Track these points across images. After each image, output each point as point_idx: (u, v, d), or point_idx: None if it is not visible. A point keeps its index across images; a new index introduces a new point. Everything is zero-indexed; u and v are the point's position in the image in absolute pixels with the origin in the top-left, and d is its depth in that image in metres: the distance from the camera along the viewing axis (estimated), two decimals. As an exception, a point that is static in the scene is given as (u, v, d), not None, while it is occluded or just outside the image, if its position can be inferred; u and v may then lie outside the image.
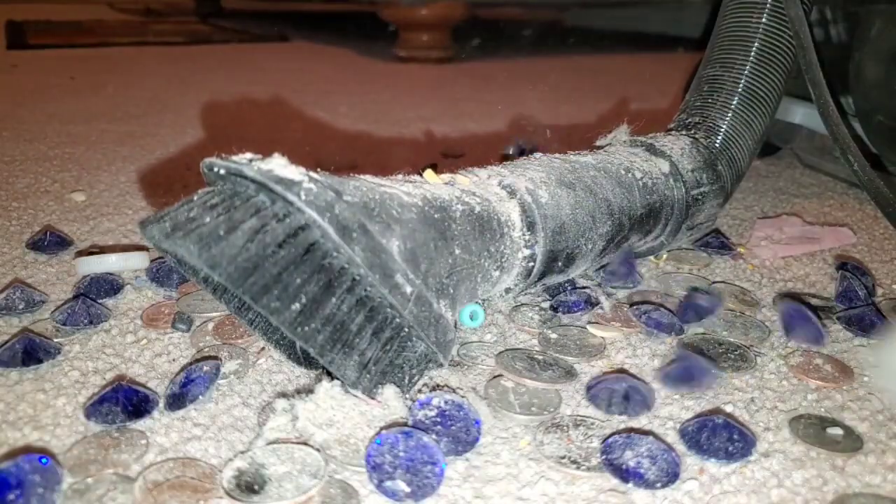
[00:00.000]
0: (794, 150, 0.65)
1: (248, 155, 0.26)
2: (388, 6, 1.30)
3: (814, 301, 0.39)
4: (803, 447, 0.27)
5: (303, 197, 0.25)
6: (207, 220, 0.25)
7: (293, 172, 0.25)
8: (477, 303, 0.33)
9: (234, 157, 0.26)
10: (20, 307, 0.36)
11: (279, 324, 0.24)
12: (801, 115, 0.59)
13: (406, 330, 0.27)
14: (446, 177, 0.33)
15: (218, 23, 1.94)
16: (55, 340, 0.33)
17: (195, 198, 0.26)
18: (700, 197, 0.41)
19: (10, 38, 1.47)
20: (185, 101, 0.92)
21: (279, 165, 0.25)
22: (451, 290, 0.29)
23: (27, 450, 0.26)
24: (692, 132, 0.47)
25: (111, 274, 0.39)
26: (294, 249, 0.25)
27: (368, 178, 0.29)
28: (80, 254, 0.41)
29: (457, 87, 1.09)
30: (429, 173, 0.32)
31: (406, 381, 0.28)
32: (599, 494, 0.25)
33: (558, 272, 0.35)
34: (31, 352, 0.31)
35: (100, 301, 0.37)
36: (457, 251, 0.29)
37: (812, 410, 0.30)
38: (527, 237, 0.32)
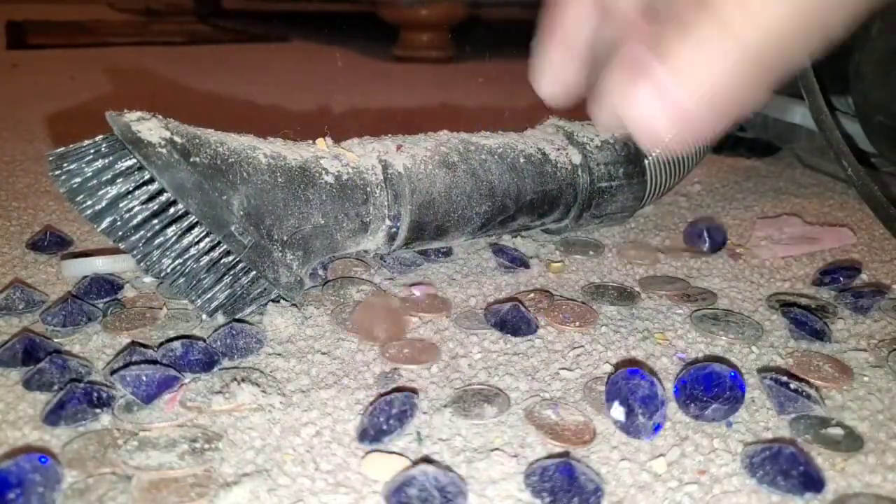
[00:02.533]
0: (794, 150, 0.65)
1: (137, 114, 0.32)
2: (388, 6, 1.30)
3: (806, 301, 0.39)
4: (804, 447, 0.27)
5: (150, 158, 0.31)
6: (87, 167, 0.31)
7: (153, 134, 0.31)
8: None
9: (125, 116, 0.32)
10: (20, 307, 0.36)
11: (128, 251, 0.32)
12: (801, 115, 0.59)
13: (249, 269, 0.34)
14: (332, 147, 0.38)
15: (218, 23, 1.94)
16: (56, 340, 0.33)
17: (90, 143, 0.32)
18: (609, 190, 0.44)
19: (10, 38, 1.47)
20: (185, 100, 0.92)
21: (148, 127, 0.31)
22: (303, 243, 0.35)
23: (27, 449, 0.26)
24: None
25: (111, 273, 0.39)
26: (142, 194, 0.32)
27: (245, 139, 0.35)
28: (66, 257, 0.41)
29: (457, 87, 1.09)
30: (320, 141, 0.38)
31: (255, 304, 0.35)
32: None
33: (430, 239, 0.40)
34: (31, 352, 0.31)
35: (92, 301, 0.37)
36: (309, 211, 0.35)
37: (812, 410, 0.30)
38: (390, 206, 0.37)
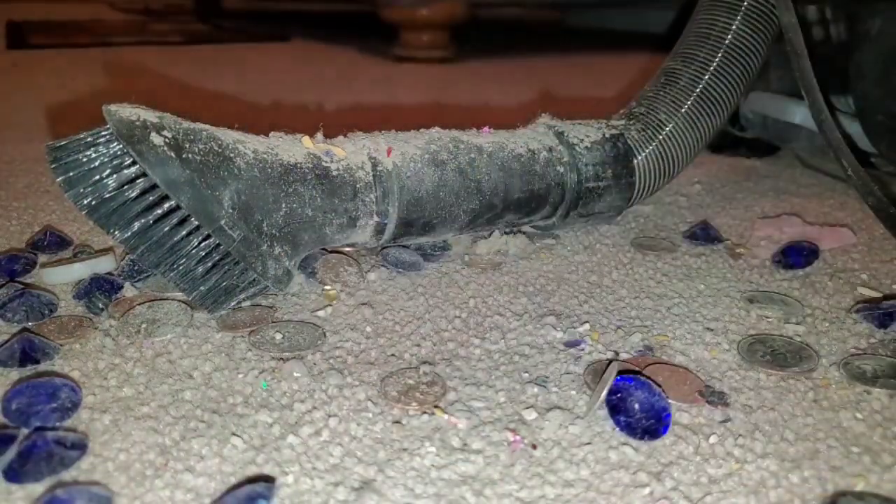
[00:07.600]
0: (794, 150, 0.65)
1: (133, 108, 0.32)
2: (388, 6, 1.30)
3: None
4: (802, 447, 0.27)
5: (144, 154, 0.31)
6: (83, 160, 0.32)
7: (148, 130, 0.32)
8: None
9: (121, 110, 0.32)
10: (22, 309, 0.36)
11: (121, 244, 0.33)
12: (801, 115, 0.59)
13: (238, 261, 0.34)
14: (322, 145, 0.38)
15: (218, 23, 1.94)
16: (57, 342, 0.33)
17: (87, 135, 0.32)
18: (596, 190, 0.45)
19: (10, 38, 1.48)
20: (185, 101, 0.92)
21: (143, 122, 0.32)
22: (291, 237, 0.36)
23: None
24: (631, 122, 0.48)
25: (111, 273, 0.39)
26: (136, 188, 0.32)
27: (237, 135, 0.36)
28: (45, 265, 0.41)
29: (457, 87, 1.09)
30: (305, 140, 0.38)
31: (246, 294, 0.36)
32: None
33: (418, 235, 0.40)
34: (30, 352, 0.31)
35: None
36: (297, 206, 0.35)
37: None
38: (379, 203, 0.38)
